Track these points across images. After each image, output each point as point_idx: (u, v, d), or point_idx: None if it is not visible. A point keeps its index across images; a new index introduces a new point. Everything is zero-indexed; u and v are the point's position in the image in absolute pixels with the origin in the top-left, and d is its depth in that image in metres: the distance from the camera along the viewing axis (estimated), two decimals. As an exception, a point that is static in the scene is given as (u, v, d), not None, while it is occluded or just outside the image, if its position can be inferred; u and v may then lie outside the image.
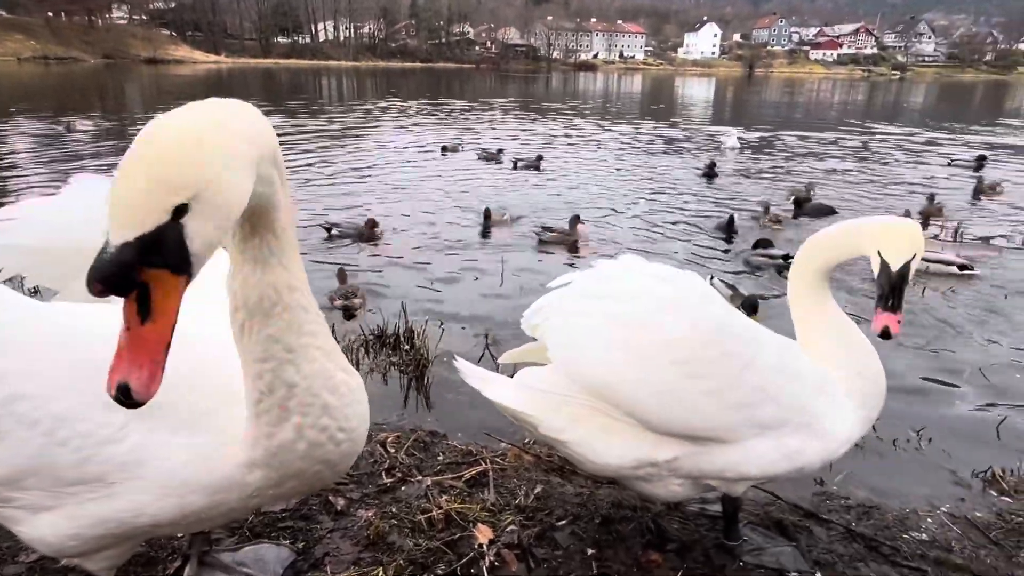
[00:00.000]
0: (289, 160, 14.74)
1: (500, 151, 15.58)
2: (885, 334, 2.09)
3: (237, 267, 1.48)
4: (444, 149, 16.63)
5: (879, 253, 2.16)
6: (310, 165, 14.73)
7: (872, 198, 12.62)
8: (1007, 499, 3.43)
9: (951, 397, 4.74)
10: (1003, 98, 57.39)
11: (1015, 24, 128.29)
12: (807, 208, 10.80)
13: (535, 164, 14.28)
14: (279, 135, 1.42)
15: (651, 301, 2.17)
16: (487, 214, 9.54)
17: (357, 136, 19.87)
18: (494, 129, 22.65)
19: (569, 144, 19.22)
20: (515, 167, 14.24)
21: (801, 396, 2.29)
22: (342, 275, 6.30)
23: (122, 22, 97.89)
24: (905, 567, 2.79)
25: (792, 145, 19.89)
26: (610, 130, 23.07)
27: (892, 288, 2.11)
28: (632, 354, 2.11)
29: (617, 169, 14.40)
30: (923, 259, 6.37)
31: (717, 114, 34.69)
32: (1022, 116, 36.09)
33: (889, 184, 13.96)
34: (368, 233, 8.48)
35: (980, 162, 16.04)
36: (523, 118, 27.02)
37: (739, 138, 18.48)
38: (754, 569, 2.64)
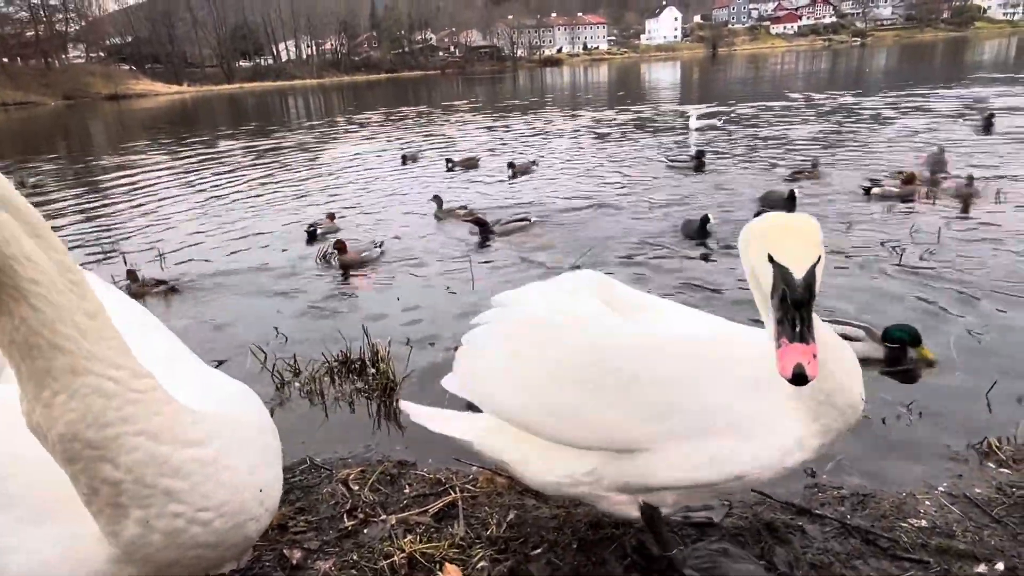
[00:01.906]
0: (248, 179, 14.49)
1: (462, 160, 15.12)
2: (798, 378, 1.57)
3: None
4: (404, 159, 16.23)
5: (771, 258, 1.71)
6: (266, 182, 14.44)
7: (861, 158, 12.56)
8: (1005, 470, 3.26)
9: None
10: (963, 53, 57.90)
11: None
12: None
13: (518, 169, 13.67)
14: (244, 159, 1.18)
15: (539, 332, 2.25)
16: (439, 201, 10.17)
17: (319, 152, 19.56)
18: (461, 132, 22.43)
19: (540, 141, 19.03)
20: (510, 172, 13.67)
21: (716, 403, 2.03)
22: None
23: (79, 61, 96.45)
24: (906, 560, 2.61)
25: (762, 119, 19.79)
26: (580, 125, 22.89)
27: (797, 306, 1.64)
28: (525, 381, 2.20)
29: (588, 168, 14.10)
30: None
31: (685, 95, 34.66)
32: (983, 68, 36.36)
33: (865, 146, 13.87)
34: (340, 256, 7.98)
35: (989, 120, 14.90)
36: (491, 118, 26.82)
37: (701, 117, 18.36)
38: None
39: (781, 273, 1.69)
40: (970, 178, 9.19)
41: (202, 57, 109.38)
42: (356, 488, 3.25)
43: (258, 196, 13.39)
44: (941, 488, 3.13)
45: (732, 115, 21.21)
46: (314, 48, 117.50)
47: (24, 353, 1.21)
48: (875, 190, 9.49)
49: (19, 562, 1.39)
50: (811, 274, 1.69)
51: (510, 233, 8.90)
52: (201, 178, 16.08)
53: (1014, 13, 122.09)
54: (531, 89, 52.28)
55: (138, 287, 7.05)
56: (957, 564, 2.57)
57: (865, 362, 4.31)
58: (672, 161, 13.21)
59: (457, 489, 3.18)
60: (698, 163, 12.57)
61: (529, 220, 9.21)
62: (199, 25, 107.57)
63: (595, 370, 2.08)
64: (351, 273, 7.61)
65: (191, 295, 7.33)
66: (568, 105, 31.12)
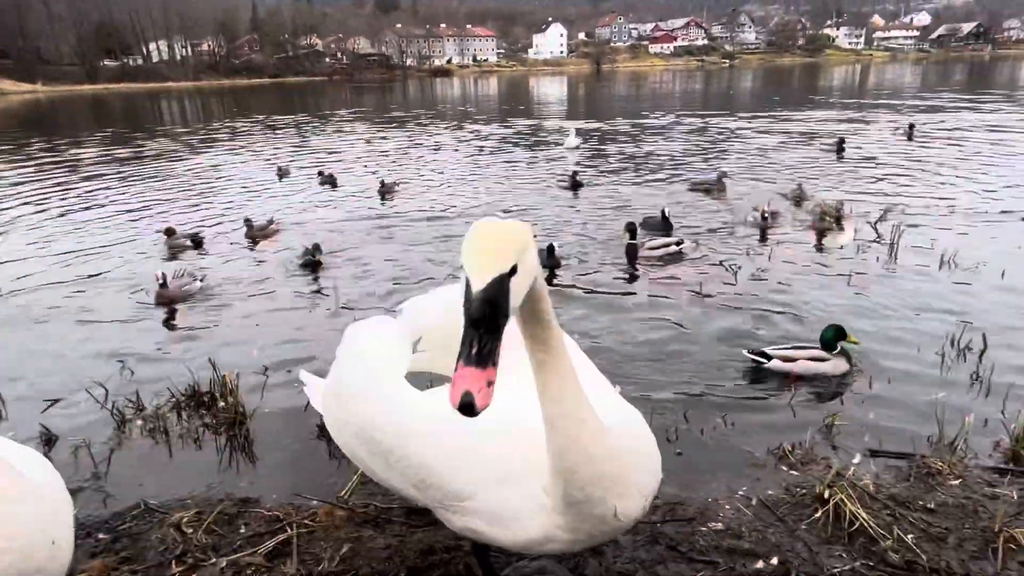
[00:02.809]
0: (103, 190, 13.50)
1: (331, 176, 14.65)
2: (466, 407, 1.37)
3: None
4: (280, 173, 15.59)
5: (462, 268, 1.52)
6: (124, 193, 13.52)
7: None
8: (795, 472, 3.72)
9: (751, 374, 5.11)
10: (816, 77, 63.91)
11: (819, 10, 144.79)
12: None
13: (389, 188, 13.08)
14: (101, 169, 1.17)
15: (350, 399, 2.46)
16: (247, 223, 9.98)
17: (188, 162, 18.55)
18: (345, 143, 22.02)
19: (424, 153, 19.06)
20: (381, 188, 13.19)
21: (461, 490, 2.11)
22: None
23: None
24: (699, 562, 2.94)
25: (645, 138, 20.89)
26: (464, 138, 23.14)
27: (474, 324, 1.43)
28: (342, 428, 2.52)
29: (472, 180, 14.32)
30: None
31: (572, 110, 35.88)
32: (832, 92, 40.36)
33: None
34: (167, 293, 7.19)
35: (840, 145, 16.39)
36: (377, 128, 26.53)
37: (574, 133, 19.12)
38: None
39: (466, 284, 1.49)
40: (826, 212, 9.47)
41: (60, 54, 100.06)
42: (190, 531, 3.20)
43: (110, 209, 12.54)
44: (741, 492, 3.53)
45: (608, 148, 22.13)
46: (189, 49, 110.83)
47: None
48: (750, 218, 9.76)
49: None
50: (494, 287, 1.46)
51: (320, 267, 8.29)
52: (45, 188, 14.80)
53: (858, 43, 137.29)
54: (421, 99, 52.16)
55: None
56: (741, 562, 2.93)
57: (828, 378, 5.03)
58: (559, 181, 13.57)
59: (294, 525, 3.21)
60: (574, 183, 12.93)
61: (317, 257, 8.34)
62: (56, 19, 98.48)
63: (374, 443, 2.34)
64: (174, 308, 7.07)
65: (20, 322, 6.79)
66: (456, 117, 31.38)
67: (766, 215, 9.50)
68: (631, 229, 8.58)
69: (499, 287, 1.48)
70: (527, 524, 2.01)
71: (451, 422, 2.02)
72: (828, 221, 9.38)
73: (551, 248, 8.00)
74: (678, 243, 8.46)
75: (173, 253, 9.28)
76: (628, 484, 1.98)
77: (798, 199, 11.05)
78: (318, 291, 7.52)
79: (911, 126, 19.00)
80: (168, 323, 6.72)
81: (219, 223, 11.18)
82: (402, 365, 2.48)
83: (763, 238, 9.10)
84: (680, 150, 17.93)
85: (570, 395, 1.83)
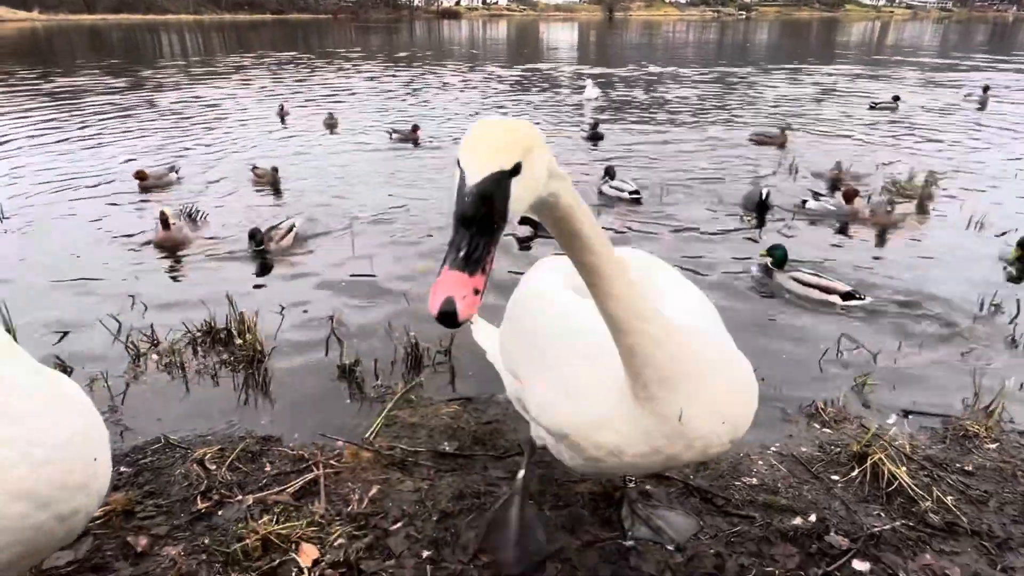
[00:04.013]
0: (105, 123, 13.18)
1: (332, 118, 14.09)
2: (447, 316, 1.20)
3: None
4: (281, 114, 14.95)
5: (457, 163, 1.36)
6: (129, 128, 13.21)
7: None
8: (828, 430, 3.64)
9: (783, 333, 5.00)
10: (835, 33, 62.11)
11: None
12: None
13: (408, 135, 12.49)
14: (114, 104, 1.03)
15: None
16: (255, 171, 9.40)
17: (186, 98, 18.10)
18: (352, 84, 21.44)
19: (430, 98, 18.58)
20: (393, 136, 12.62)
21: (556, 360, 2.11)
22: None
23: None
24: (736, 516, 2.88)
25: (660, 93, 20.34)
26: (476, 83, 22.52)
27: (465, 223, 1.27)
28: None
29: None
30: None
31: (584, 57, 34.90)
32: (851, 49, 39.23)
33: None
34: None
35: (895, 102, 15.79)
36: (384, 71, 25.80)
37: (597, 85, 18.52)
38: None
39: (459, 179, 1.33)
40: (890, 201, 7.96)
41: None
42: (213, 468, 3.13)
43: (112, 140, 12.25)
44: (773, 448, 3.46)
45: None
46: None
47: None
48: (811, 204, 8.10)
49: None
50: (491, 183, 1.30)
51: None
52: (50, 120, 14.45)
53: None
54: (429, 41, 50.76)
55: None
56: (778, 518, 2.87)
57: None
58: (582, 131, 12.94)
59: (321, 465, 3.14)
60: (593, 134, 12.41)
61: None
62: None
63: (514, 318, 2.49)
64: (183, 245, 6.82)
65: (26, 251, 6.65)
66: (467, 60, 30.52)
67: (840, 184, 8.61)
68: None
69: (497, 184, 1.31)
70: (595, 403, 1.96)
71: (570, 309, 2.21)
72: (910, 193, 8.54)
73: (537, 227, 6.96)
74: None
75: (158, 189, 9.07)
76: (703, 393, 1.87)
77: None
78: (328, 234, 7.34)
79: (986, 88, 16.95)
80: (178, 260, 6.57)
81: (220, 162, 10.91)
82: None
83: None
84: (703, 101, 17.43)
85: (634, 302, 1.72)
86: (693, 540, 2.71)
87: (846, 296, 5.43)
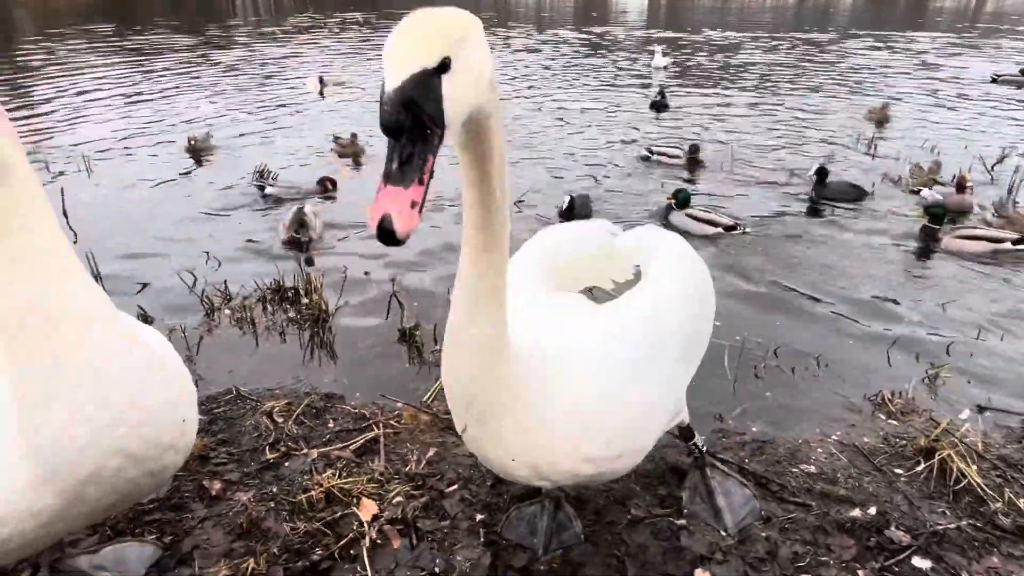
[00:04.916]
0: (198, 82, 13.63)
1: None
2: (385, 233, 1.11)
3: None
4: (321, 88, 13.74)
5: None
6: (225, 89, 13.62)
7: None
8: (894, 422, 3.53)
9: (848, 320, 4.83)
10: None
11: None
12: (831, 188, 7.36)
13: None
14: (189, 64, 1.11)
15: None
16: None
17: (281, 67, 18.46)
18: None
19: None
20: None
21: None
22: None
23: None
24: (791, 503, 2.84)
25: (735, 60, 19.55)
26: (541, 48, 22.15)
27: (389, 130, 1.14)
28: None
29: (556, 104, 13.61)
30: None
31: (653, 22, 33.71)
32: (945, 15, 36.55)
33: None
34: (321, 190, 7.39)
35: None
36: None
37: (666, 52, 17.85)
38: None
39: (382, 83, 1.17)
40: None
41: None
42: (280, 421, 3.29)
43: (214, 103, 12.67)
44: (834, 437, 3.38)
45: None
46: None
47: None
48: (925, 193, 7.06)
49: None
50: (412, 84, 1.14)
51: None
52: (133, 76, 15.04)
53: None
54: (495, 3, 50.02)
55: None
56: (835, 508, 2.81)
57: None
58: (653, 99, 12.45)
59: (381, 425, 3.25)
60: (658, 103, 12.03)
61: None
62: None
63: None
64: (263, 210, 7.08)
65: (110, 204, 7.01)
66: (533, 22, 30.01)
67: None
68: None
69: (420, 84, 1.14)
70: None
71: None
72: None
73: (572, 202, 6.58)
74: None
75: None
76: (494, 422, 1.76)
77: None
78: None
79: None
80: (248, 219, 6.82)
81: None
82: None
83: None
84: (783, 70, 16.58)
85: (485, 296, 1.57)
86: (747, 524, 2.70)
87: (728, 228, 6.27)
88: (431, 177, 1.16)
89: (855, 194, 7.30)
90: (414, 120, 1.14)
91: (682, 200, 6.63)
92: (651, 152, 8.69)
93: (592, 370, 1.87)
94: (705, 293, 2.44)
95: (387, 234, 1.11)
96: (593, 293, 2.42)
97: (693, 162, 8.49)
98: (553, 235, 2.63)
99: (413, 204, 1.13)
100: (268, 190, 7.34)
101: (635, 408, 1.94)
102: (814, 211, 7.12)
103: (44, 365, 1.40)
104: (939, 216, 6.03)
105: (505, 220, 1.53)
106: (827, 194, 7.30)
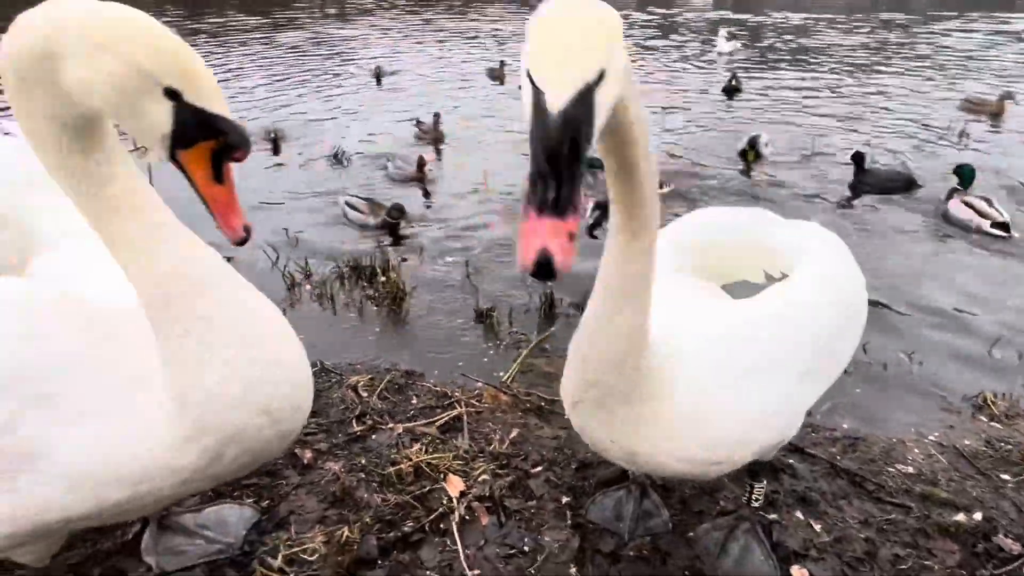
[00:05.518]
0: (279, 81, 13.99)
1: (502, 64, 13.26)
2: (544, 268, 0.99)
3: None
4: (377, 74, 13.45)
5: (528, 74, 1.05)
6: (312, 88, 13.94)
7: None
8: (997, 425, 3.34)
9: (946, 318, 4.59)
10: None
11: None
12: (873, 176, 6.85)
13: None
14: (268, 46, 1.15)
15: None
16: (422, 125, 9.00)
17: (344, 49, 18.78)
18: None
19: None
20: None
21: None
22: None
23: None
24: (889, 503, 2.73)
25: (811, 43, 18.77)
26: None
27: (553, 157, 1.00)
28: None
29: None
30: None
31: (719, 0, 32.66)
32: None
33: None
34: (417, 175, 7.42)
35: None
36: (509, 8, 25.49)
37: (726, 37, 17.10)
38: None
39: (535, 99, 1.03)
40: None
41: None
42: (365, 395, 3.36)
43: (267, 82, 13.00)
44: (931, 437, 3.22)
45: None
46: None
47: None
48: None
49: (57, 459, 1.46)
50: (578, 104, 1.02)
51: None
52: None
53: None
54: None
55: None
56: (937, 511, 2.69)
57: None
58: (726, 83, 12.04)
59: (462, 403, 3.28)
60: (730, 87, 11.64)
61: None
62: None
63: None
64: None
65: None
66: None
67: None
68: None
69: (584, 102, 1.02)
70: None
71: None
72: None
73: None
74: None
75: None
76: (653, 420, 1.72)
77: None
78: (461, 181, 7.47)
79: None
80: (327, 198, 6.96)
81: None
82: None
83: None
84: (871, 55, 15.78)
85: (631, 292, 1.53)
86: (840, 523, 2.60)
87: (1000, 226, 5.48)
88: (580, 201, 1.06)
89: (903, 183, 6.74)
90: (574, 141, 1.01)
91: (968, 176, 5.85)
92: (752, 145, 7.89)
93: (716, 373, 1.82)
94: (853, 307, 2.20)
95: (545, 268, 0.99)
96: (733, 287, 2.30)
97: (745, 155, 7.83)
98: (703, 218, 2.48)
99: (571, 236, 1.01)
100: (389, 171, 7.47)
101: (747, 420, 1.86)
102: (849, 201, 6.67)
103: (197, 327, 1.45)
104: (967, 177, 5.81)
105: (654, 207, 1.45)
106: (869, 181, 6.77)
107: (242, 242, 1.39)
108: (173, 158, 1.31)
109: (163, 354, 1.48)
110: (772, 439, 1.98)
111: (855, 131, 9.30)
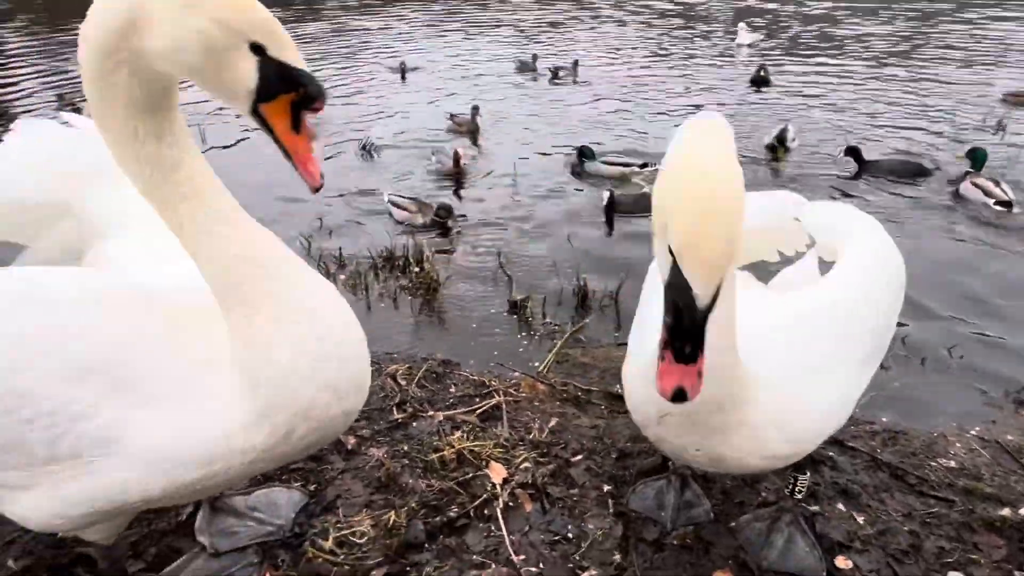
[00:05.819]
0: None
1: (535, 57, 13.18)
2: (677, 397, 1.33)
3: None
4: (402, 70, 13.27)
5: (669, 250, 1.30)
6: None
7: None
8: (1041, 420, 3.30)
9: (985, 313, 4.53)
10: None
11: None
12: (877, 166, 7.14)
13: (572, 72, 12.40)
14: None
15: None
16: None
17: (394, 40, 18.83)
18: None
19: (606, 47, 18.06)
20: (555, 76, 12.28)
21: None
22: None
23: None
24: (932, 497, 2.71)
25: (837, 32, 18.46)
26: (623, 19, 21.60)
27: (691, 336, 1.30)
28: None
29: (653, 76, 13.14)
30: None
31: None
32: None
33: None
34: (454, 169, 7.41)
35: None
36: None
37: (747, 29, 16.71)
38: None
39: (676, 284, 1.29)
40: None
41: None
42: (404, 383, 3.40)
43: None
44: (973, 432, 3.20)
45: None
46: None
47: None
48: None
49: (135, 442, 1.51)
50: (714, 299, 1.30)
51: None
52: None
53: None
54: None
55: None
56: (981, 505, 2.67)
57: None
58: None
59: (500, 393, 3.31)
60: (758, 78, 11.49)
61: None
62: None
63: None
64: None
65: (236, 173, 7.36)
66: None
67: None
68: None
69: (715, 296, 1.31)
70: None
71: None
72: None
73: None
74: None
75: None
76: (726, 436, 1.77)
77: None
78: (492, 173, 7.49)
79: None
80: (360, 190, 7.02)
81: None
82: None
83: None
84: (901, 45, 15.50)
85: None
86: (883, 516, 2.60)
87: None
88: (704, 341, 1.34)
89: (910, 171, 7.03)
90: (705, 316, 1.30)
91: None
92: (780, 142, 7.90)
93: (789, 369, 1.84)
94: (899, 286, 2.21)
95: (680, 398, 1.34)
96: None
97: (773, 149, 7.78)
98: None
99: (699, 373, 1.33)
100: (432, 163, 7.47)
101: (822, 412, 1.89)
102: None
103: (267, 306, 1.49)
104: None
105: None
106: (873, 172, 7.11)
107: (318, 188, 1.43)
108: (255, 111, 1.35)
109: (233, 334, 1.52)
110: (838, 427, 2.00)
111: (886, 126, 9.15)
